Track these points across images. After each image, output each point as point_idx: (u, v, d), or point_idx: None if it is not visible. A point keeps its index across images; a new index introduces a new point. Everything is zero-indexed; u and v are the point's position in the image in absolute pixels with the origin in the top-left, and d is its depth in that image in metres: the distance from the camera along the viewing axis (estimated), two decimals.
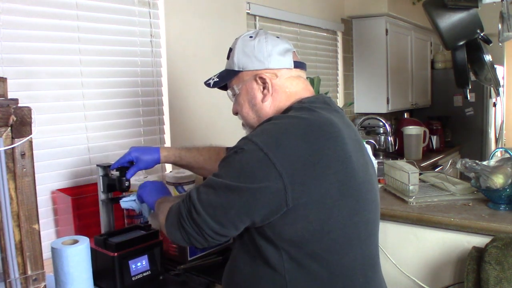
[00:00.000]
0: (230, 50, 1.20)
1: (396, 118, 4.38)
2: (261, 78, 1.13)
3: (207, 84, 1.24)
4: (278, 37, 1.17)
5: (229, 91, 1.21)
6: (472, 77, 2.37)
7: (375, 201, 1.12)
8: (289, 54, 1.16)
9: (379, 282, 1.14)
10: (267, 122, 1.06)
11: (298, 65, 1.17)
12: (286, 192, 0.95)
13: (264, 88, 1.14)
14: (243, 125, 1.23)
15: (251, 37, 1.16)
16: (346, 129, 1.08)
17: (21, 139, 1.01)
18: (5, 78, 1.06)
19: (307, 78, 1.23)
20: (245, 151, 0.98)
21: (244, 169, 0.98)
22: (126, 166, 1.48)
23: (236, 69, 1.16)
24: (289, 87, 1.14)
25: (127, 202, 1.42)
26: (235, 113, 1.23)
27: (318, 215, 0.98)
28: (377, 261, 1.15)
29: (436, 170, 3.33)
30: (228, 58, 1.20)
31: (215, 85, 1.21)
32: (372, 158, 1.67)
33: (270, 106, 1.14)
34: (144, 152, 1.49)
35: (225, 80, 1.20)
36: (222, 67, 1.24)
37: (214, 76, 1.23)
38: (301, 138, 0.99)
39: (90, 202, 1.60)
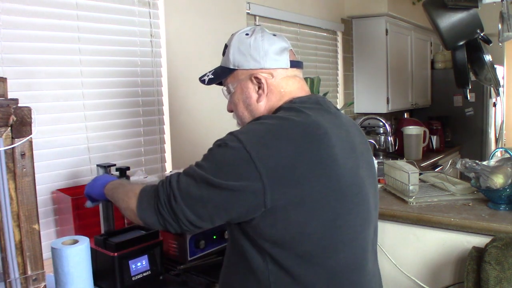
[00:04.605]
0: (226, 46, 1.17)
1: (396, 118, 4.38)
2: (256, 78, 1.11)
3: (201, 80, 1.22)
4: (275, 35, 1.14)
5: (224, 88, 1.19)
6: (472, 77, 2.37)
7: (364, 204, 1.09)
8: (286, 53, 1.13)
9: (367, 285, 1.11)
10: (255, 121, 1.05)
11: (295, 64, 1.15)
12: (264, 193, 0.95)
13: (259, 88, 1.12)
14: (238, 123, 1.21)
15: (247, 34, 1.13)
16: (336, 130, 1.05)
17: (21, 139, 1.01)
18: (5, 78, 1.06)
19: (307, 78, 1.21)
20: (228, 147, 0.98)
21: (225, 164, 0.98)
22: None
23: (232, 67, 1.14)
24: (284, 87, 1.12)
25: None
26: (230, 110, 1.21)
27: (297, 218, 0.98)
28: (364, 264, 1.11)
29: (436, 170, 3.33)
30: (223, 54, 1.18)
31: (210, 82, 1.20)
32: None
33: (264, 106, 1.13)
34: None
35: (220, 78, 1.18)
36: None
37: (209, 72, 1.21)
38: (285, 140, 0.98)
39: None
